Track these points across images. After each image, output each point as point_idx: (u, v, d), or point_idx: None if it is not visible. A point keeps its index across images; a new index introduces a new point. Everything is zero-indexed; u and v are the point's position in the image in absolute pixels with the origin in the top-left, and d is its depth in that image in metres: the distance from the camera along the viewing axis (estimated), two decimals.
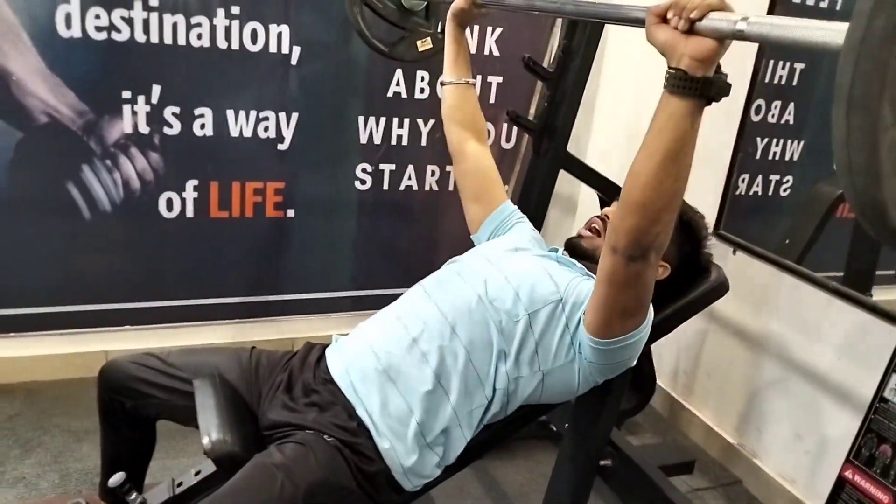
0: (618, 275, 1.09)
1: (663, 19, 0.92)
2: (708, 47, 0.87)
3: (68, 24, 2.00)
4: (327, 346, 1.41)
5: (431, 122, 2.54)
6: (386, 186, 2.57)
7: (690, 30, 0.88)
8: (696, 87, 0.89)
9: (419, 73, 2.47)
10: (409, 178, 2.60)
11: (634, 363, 1.32)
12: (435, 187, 2.64)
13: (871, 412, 1.11)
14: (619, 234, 1.04)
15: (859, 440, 1.12)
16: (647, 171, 0.95)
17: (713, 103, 0.92)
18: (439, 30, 1.75)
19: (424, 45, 1.80)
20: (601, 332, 1.19)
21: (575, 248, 1.47)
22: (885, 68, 0.51)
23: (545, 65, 2.43)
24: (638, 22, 0.98)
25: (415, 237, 2.70)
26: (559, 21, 2.55)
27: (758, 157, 2.34)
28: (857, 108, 0.53)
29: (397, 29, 1.79)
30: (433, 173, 2.62)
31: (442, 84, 1.60)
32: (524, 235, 1.53)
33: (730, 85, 0.91)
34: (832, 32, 0.68)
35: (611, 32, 2.65)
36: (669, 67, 0.91)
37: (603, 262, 1.11)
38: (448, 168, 2.62)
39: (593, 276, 1.39)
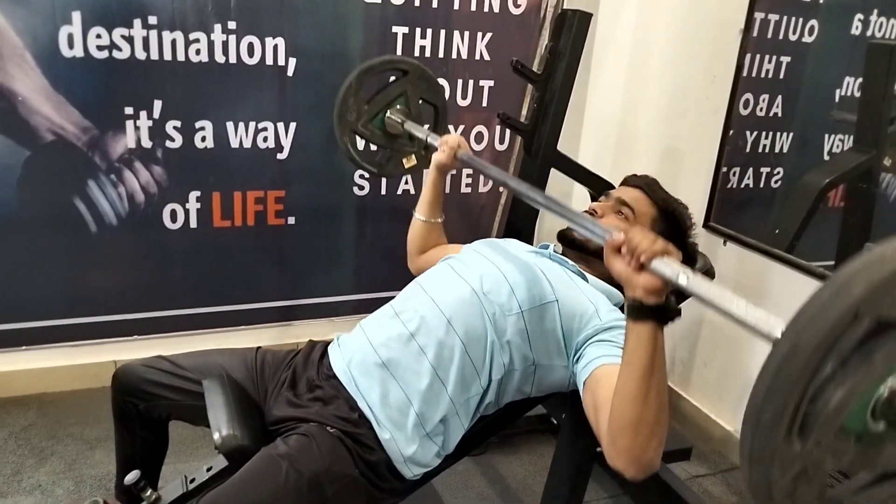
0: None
1: (619, 250, 1.04)
2: (657, 284, 0.99)
3: (71, 44, 2.07)
4: (329, 343, 1.47)
5: (425, 126, 2.59)
6: (384, 191, 2.63)
7: (641, 267, 1.00)
8: (651, 313, 1.01)
9: None
10: (407, 182, 2.66)
11: None
12: None
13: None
14: (618, 456, 1.06)
15: None
16: (630, 388, 1.03)
17: (669, 324, 1.03)
18: (422, 147, 1.88)
19: (409, 162, 1.94)
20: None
21: (567, 239, 1.53)
22: (772, 445, 0.66)
23: (534, 67, 2.49)
24: (599, 239, 1.10)
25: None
26: (547, 24, 2.62)
27: (748, 150, 2.39)
28: (755, 466, 0.68)
29: (385, 151, 1.93)
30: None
31: (414, 219, 1.75)
32: (503, 242, 1.59)
33: (679, 310, 1.04)
34: (757, 320, 0.81)
35: (598, 33, 2.71)
36: (627, 296, 1.03)
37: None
38: None
39: (584, 272, 1.45)
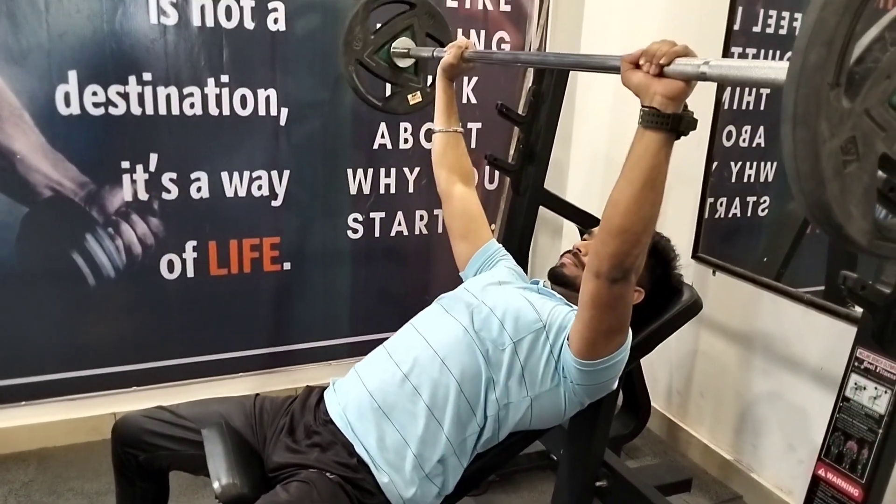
0: (602, 297, 1.17)
1: (636, 66, 1.04)
2: (677, 87, 0.99)
3: (67, 103, 2.12)
4: (326, 388, 1.49)
5: (417, 169, 2.65)
6: (377, 234, 2.67)
7: (660, 73, 1.00)
8: (667, 121, 1.00)
9: (402, 125, 2.59)
10: (399, 224, 2.70)
11: (616, 386, 1.40)
12: (424, 231, 2.74)
13: (835, 411, 1.19)
14: (601, 259, 1.12)
15: (828, 439, 1.20)
16: (626, 199, 1.05)
17: (682, 137, 1.04)
18: (428, 84, 1.87)
19: (415, 98, 1.94)
20: (587, 353, 1.27)
21: (557, 276, 1.56)
22: (819, 92, 0.62)
23: (520, 109, 2.56)
24: (614, 69, 1.11)
25: (408, 280, 2.79)
26: (531, 67, 2.69)
27: (733, 180, 2.44)
28: (801, 125, 0.63)
29: (390, 84, 1.94)
30: (422, 217, 2.73)
31: (432, 132, 1.73)
32: (506, 271, 1.62)
33: (696, 120, 1.03)
34: (779, 70, 0.80)
35: (581, 74, 2.78)
36: (643, 106, 1.03)
37: (586, 287, 1.19)
38: (436, 211, 2.72)
39: (572, 305, 1.48)
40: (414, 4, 1.91)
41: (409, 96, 1.94)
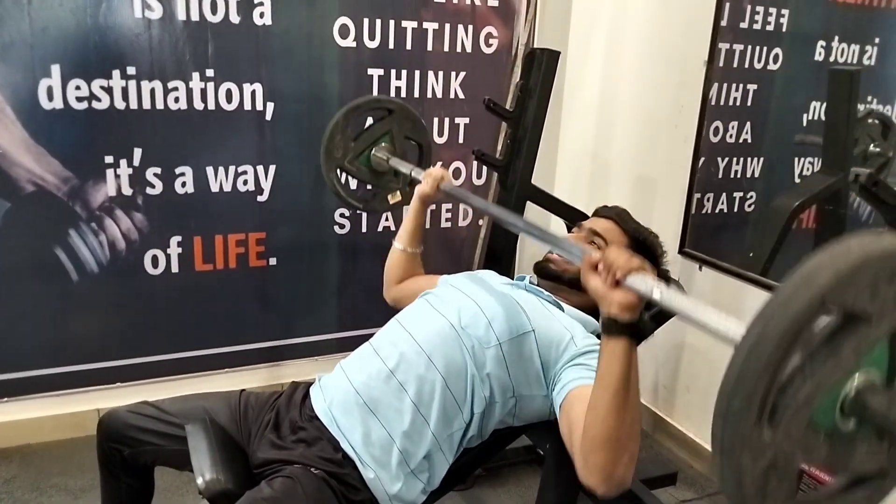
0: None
1: (595, 268, 1.08)
2: (631, 300, 1.03)
3: (50, 97, 2.10)
4: (311, 384, 1.49)
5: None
6: (364, 229, 2.66)
7: (617, 283, 1.04)
8: (625, 330, 1.04)
9: None
10: (387, 220, 2.70)
11: None
12: None
13: None
14: (591, 472, 1.08)
15: None
16: (604, 405, 1.06)
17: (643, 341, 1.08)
18: (407, 184, 1.93)
19: (394, 198, 2.00)
20: None
21: (543, 271, 1.56)
22: (742, 432, 0.68)
23: (507, 104, 2.55)
24: (577, 258, 1.15)
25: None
26: (518, 63, 2.69)
27: (720, 175, 2.45)
28: (727, 457, 0.69)
29: (370, 188, 2.01)
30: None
31: (393, 245, 1.78)
32: (479, 273, 1.62)
33: (653, 326, 1.10)
34: (727, 328, 0.84)
35: (568, 68, 2.79)
36: (601, 312, 1.07)
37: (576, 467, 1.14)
38: None
39: (560, 301, 1.48)
40: (392, 110, 1.96)
41: (389, 196, 2.01)
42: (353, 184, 2.08)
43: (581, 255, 1.12)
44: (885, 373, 0.73)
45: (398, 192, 1.97)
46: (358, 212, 2.05)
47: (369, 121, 2.03)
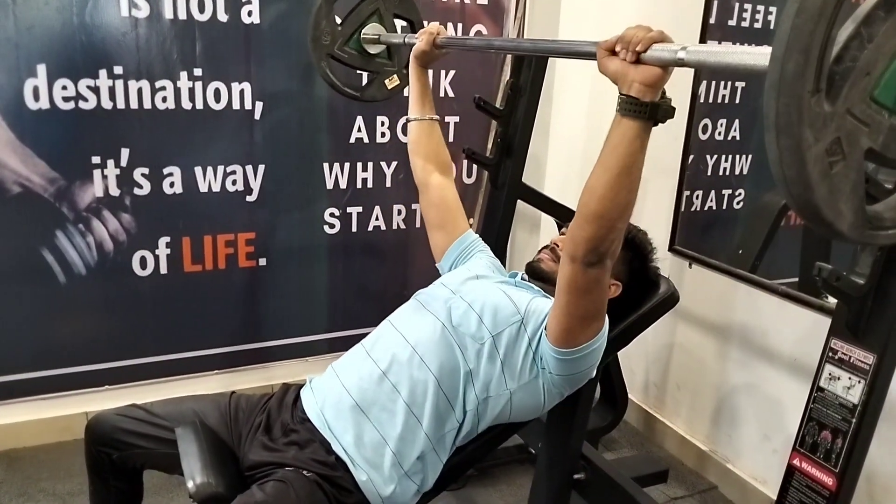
0: (578, 282, 1.16)
1: (612, 52, 1.03)
2: (654, 74, 0.98)
3: (36, 97, 2.07)
4: (302, 386, 1.48)
5: (394, 163, 2.64)
6: (355, 228, 2.65)
7: (637, 60, 0.99)
8: (644, 110, 0.99)
9: (379, 119, 2.57)
10: (377, 219, 2.69)
11: (594, 374, 1.40)
12: (402, 225, 2.73)
13: (810, 402, 1.20)
14: (577, 243, 1.12)
15: (803, 429, 1.21)
16: (602, 185, 1.04)
17: (660, 124, 1.03)
18: (403, 66, 1.85)
19: (392, 82, 1.92)
20: (564, 341, 1.26)
21: (534, 271, 1.56)
22: (800, 100, 0.62)
23: (497, 103, 2.55)
24: (590, 55, 1.09)
25: (386, 275, 2.77)
26: (508, 60, 2.68)
27: (709, 173, 2.46)
28: (784, 134, 0.63)
29: (365, 72, 1.92)
30: (399, 212, 2.71)
31: (408, 121, 1.71)
32: (484, 263, 1.61)
33: (674, 108, 1.02)
34: (757, 56, 0.79)
35: (558, 67, 2.78)
36: (620, 93, 1.02)
37: (563, 272, 1.18)
38: (414, 206, 2.71)
39: (550, 296, 1.48)
40: None
41: (387, 81, 1.92)
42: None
43: (594, 47, 1.06)
44: None
45: (395, 76, 1.89)
46: (359, 101, 1.94)
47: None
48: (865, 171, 0.68)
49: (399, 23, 2.00)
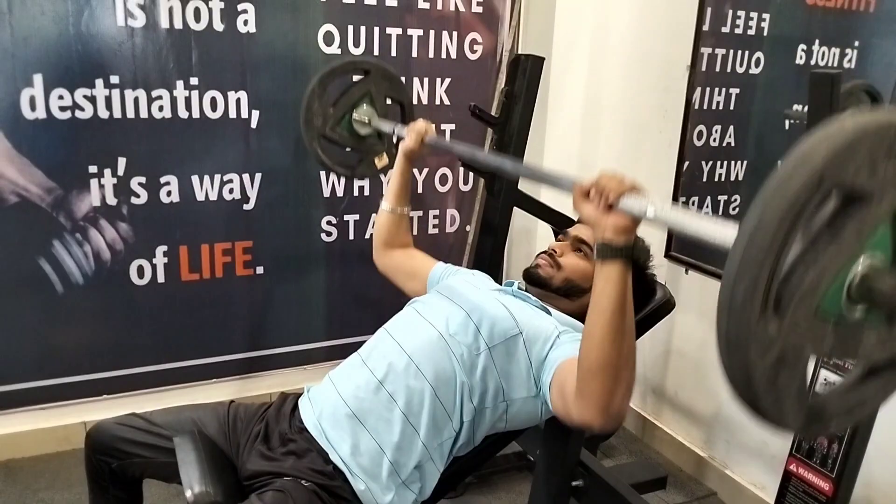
0: (583, 425, 1.14)
1: (587, 195, 1.07)
2: (625, 223, 1.02)
3: (33, 107, 2.08)
4: (300, 396, 1.48)
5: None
6: (351, 236, 2.65)
7: (609, 208, 1.03)
8: (620, 253, 1.04)
9: None
10: (374, 226, 2.68)
11: None
12: None
13: None
14: (586, 405, 1.09)
15: (798, 435, 1.21)
16: (599, 329, 1.06)
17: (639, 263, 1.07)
18: (393, 145, 1.89)
19: (381, 161, 1.97)
20: (561, 416, 1.25)
21: (532, 277, 1.56)
22: (748, 323, 0.65)
23: (493, 110, 2.56)
24: (567, 188, 1.13)
25: (384, 283, 2.73)
26: (503, 68, 2.70)
27: (705, 179, 2.47)
28: (733, 351, 0.67)
29: (356, 152, 1.97)
30: None
31: (381, 207, 1.76)
32: (471, 276, 1.62)
33: (648, 247, 1.09)
34: (720, 233, 0.82)
35: (553, 74, 2.80)
36: (596, 239, 1.06)
37: (569, 412, 1.16)
38: (411, 213, 2.70)
39: (547, 308, 1.48)
40: (368, 70, 1.92)
41: (376, 159, 1.97)
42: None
43: (571, 183, 1.10)
44: (890, 255, 0.70)
45: (384, 155, 1.93)
46: (347, 178, 2.00)
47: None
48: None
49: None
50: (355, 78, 1.97)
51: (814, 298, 0.66)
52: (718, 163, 2.45)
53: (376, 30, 2.48)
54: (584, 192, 1.07)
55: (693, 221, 0.87)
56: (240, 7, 2.26)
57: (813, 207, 0.63)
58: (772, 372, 0.67)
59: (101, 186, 2.22)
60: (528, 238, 2.92)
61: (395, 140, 1.84)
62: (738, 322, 0.65)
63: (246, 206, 2.44)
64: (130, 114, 2.20)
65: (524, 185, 2.20)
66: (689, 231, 0.87)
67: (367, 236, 2.68)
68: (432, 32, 2.58)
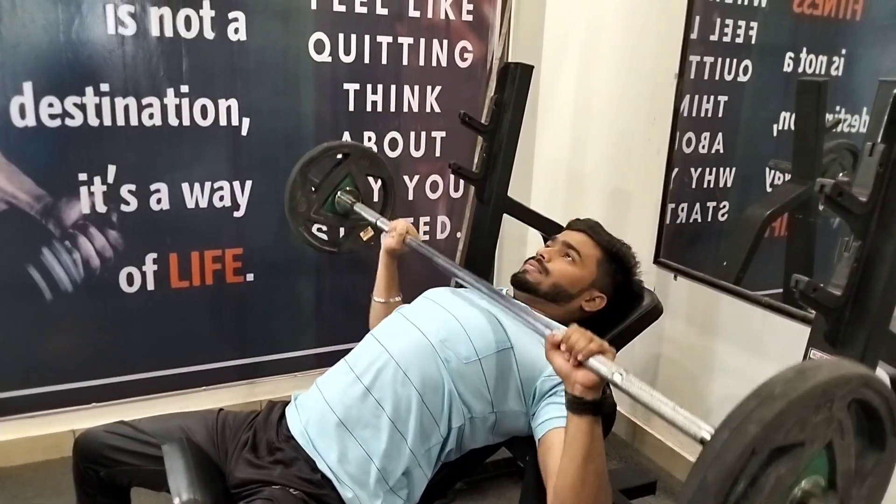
0: None
1: (558, 347, 1.11)
2: (592, 380, 1.06)
3: (22, 115, 2.08)
4: (288, 404, 1.48)
5: (380, 180, 2.64)
6: None
7: (578, 364, 1.07)
8: (589, 408, 1.08)
9: (366, 134, 2.58)
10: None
11: None
12: None
13: None
14: None
15: None
16: (572, 475, 1.10)
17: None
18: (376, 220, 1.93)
19: (367, 234, 2.02)
20: None
21: (520, 282, 1.57)
22: None
23: (483, 118, 2.57)
24: (540, 335, 1.17)
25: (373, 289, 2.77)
26: (493, 76, 2.71)
27: (693, 186, 2.48)
28: None
29: (341, 229, 2.03)
30: None
31: (372, 299, 1.79)
32: (461, 290, 1.63)
33: (615, 403, 1.17)
34: (690, 424, 0.88)
35: (542, 81, 2.81)
36: (566, 392, 1.10)
37: None
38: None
39: (537, 315, 1.48)
40: (347, 153, 1.96)
41: (362, 234, 2.02)
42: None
43: (544, 331, 1.16)
44: (827, 475, 0.76)
45: (369, 228, 1.98)
46: (338, 255, 2.08)
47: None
48: None
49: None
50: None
51: None
52: (707, 170, 2.47)
53: (367, 38, 2.49)
54: (555, 343, 1.11)
55: (655, 402, 0.92)
56: (230, 15, 2.27)
57: (749, 465, 0.68)
58: None
59: (91, 194, 2.22)
60: (519, 244, 2.93)
61: (375, 230, 1.91)
62: None
63: (236, 214, 2.45)
64: (121, 121, 2.20)
65: (514, 192, 2.21)
66: (651, 408, 0.92)
67: None
68: (423, 40, 2.59)
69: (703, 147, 2.46)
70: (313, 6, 2.38)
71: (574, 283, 1.52)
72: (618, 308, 1.56)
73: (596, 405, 1.07)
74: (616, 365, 1.03)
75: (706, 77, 2.35)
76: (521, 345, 1.37)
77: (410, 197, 2.73)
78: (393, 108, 2.60)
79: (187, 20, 2.21)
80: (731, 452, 0.67)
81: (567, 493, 1.11)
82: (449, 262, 1.59)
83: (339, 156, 1.98)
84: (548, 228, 2.24)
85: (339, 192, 1.95)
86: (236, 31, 2.29)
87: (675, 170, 2.42)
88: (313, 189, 1.93)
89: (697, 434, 0.86)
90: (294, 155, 2.47)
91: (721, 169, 2.48)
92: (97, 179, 2.21)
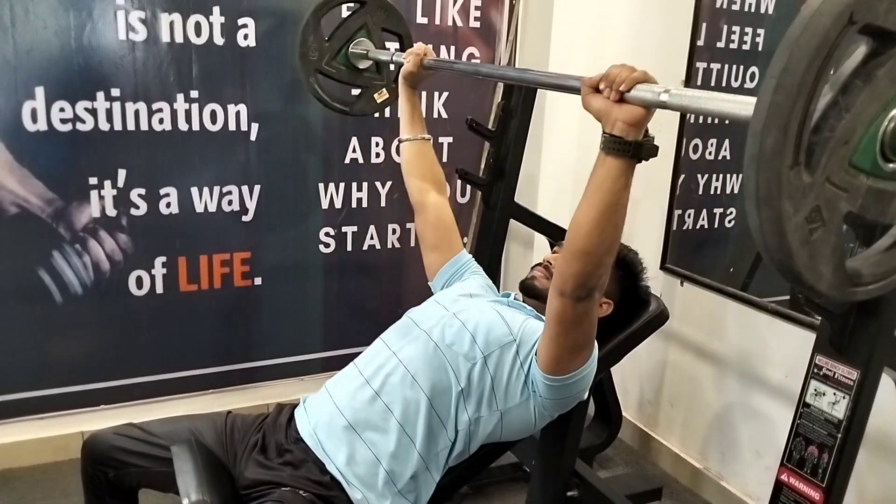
0: (567, 315, 1.19)
1: (596, 89, 1.04)
2: (637, 114, 0.99)
3: (34, 119, 2.10)
4: (297, 406, 1.49)
5: (389, 183, 2.67)
6: (349, 248, 2.67)
7: (620, 99, 1.00)
8: (628, 149, 1.01)
9: (374, 139, 2.60)
10: (372, 238, 2.71)
11: (586, 396, 1.41)
12: (397, 244, 2.75)
13: (797, 417, 1.22)
14: (565, 279, 1.14)
15: (790, 444, 1.22)
16: (588, 222, 1.06)
17: (643, 162, 1.04)
18: (392, 80, 1.86)
19: (381, 96, 1.92)
20: (553, 369, 1.28)
21: (528, 289, 1.58)
22: (780, 174, 0.63)
23: (490, 124, 2.58)
24: (574, 90, 1.10)
25: (381, 294, 2.79)
26: (500, 82, 2.72)
27: (700, 192, 2.49)
28: (764, 205, 0.64)
29: (354, 87, 1.92)
30: (394, 231, 2.74)
31: (400, 142, 1.72)
32: (477, 283, 1.63)
33: (657, 147, 1.02)
34: (738, 105, 0.81)
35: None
36: (604, 132, 1.03)
37: (551, 305, 1.20)
38: (409, 225, 2.73)
39: (543, 317, 1.49)
40: (364, 2, 1.87)
41: (376, 95, 1.92)
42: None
43: (579, 82, 1.08)
44: None
45: (384, 90, 1.88)
46: (348, 115, 2.00)
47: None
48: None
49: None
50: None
51: (847, 149, 0.63)
52: (714, 176, 2.47)
53: None
54: (594, 84, 1.04)
55: (710, 101, 0.85)
56: (240, 21, 2.28)
57: (842, 50, 0.60)
58: (806, 227, 0.64)
59: (101, 198, 2.24)
60: (525, 250, 2.93)
61: (392, 68, 1.79)
62: (769, 173, 0.62)
63: (245, 218, 2.46)
64: (131, 126, 2.22)
65: (520, 198, 2.22)
66: (707, 110, 0.85)
67: (366, 248, 2.70)
68: (430, 47, 2.59)
69: (710, 153, 2.46)
70: None
71: None
72: (624, 313, 1.57)
73: (636, 147, 1.00)
74: (659, 86, 0.96)
75: (713, 83, 2.36)
76: (523, 332, 1.38)
77: None
78: (397, 112, 2.61)
79: (197, 26, 2.23)
80: (824, 18, 0.57)
81: (581, 241, 1.06)
82: (472, 65, 1.51)
83: (355, 4, 1.88)
84: (554, 234, 2.24)
85: (352, 44, 1.85)
86: (246, 37, 2.31)
87: (682, 176, 2.42)
88: (326, 39, 1.82)
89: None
90: (303, 160, 2.52)
91: (728, 175, 2.48)
92: (107, 183, 2.23)
